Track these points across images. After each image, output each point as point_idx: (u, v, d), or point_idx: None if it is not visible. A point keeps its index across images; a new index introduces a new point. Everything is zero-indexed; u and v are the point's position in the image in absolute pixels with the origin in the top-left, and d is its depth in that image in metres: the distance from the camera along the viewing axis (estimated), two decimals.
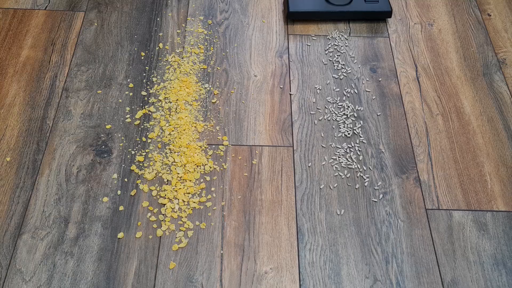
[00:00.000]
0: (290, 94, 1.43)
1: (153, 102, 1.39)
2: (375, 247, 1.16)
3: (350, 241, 1.17)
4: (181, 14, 1.61)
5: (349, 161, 1.30)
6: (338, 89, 1.44)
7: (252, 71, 1.48)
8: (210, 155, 1.29)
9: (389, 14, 1.58)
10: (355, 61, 1.51)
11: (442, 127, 1.37)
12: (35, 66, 1.46)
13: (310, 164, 1.29)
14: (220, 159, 1.29)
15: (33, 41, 1.52)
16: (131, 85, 1.42)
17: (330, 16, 1.58)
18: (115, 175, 1.25)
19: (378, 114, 1.39)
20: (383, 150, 1.32)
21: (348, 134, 1.34)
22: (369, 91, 1.44)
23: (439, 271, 1.13)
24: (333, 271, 1.12)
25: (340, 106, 1.40)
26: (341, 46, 1.55)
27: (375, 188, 1.25)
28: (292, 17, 1.57)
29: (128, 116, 1.36)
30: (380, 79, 1.47)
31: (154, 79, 1.44)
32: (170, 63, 1.48)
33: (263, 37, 1.57)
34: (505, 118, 1.40)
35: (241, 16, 1.62)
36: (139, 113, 1.37)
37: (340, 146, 1.32)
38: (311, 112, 1.39)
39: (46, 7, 1.61)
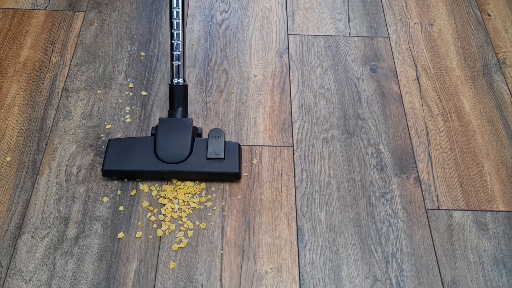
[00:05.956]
0: (290, 94, 1.43)
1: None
2: (375, 247, 1.16)
3: (350, 241, 1.16)
4: None
5: (349, 161, 1.30)
6: (338, 89, 1.44)
7: (252, 71, 1.48)
8: None
9: (236, 175, 1.23)
10: (355, 61, 1.51)
11: (442, 127, 1.37)
12: (35, 66, 1.46)
13: (310, 164, 1.29)
14: None
15: (33, 41, 1.52)
16: (131, 85, 1.42)
17: (158, 175, 1.22)
18: None
19: (378, 114, 1.39)
20: (383, 150, 1.32)
21: (348, 134, 1.35)
22: (369, 91, 1.44)
23: (439, 271, 1.13)
24: (333, 271, 1.12)
25: (340, 106, 1.40)
26: (341, 46, 1.55)
27: (375, 188, 1.25)
28: (107, 175, 1.23)
29: (128, 116, 1.36)
30: (380, 79, 1.47)
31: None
32: None
33: (263, 37, 1.57)
34: (505, 118, 1.40)
35: (241, 16, 1.62)
36: (139, 113, 1.36)
37: (340, 146, 1.32)
38: (311, 112, 1.39)
39: (46, 7, 1.61)
